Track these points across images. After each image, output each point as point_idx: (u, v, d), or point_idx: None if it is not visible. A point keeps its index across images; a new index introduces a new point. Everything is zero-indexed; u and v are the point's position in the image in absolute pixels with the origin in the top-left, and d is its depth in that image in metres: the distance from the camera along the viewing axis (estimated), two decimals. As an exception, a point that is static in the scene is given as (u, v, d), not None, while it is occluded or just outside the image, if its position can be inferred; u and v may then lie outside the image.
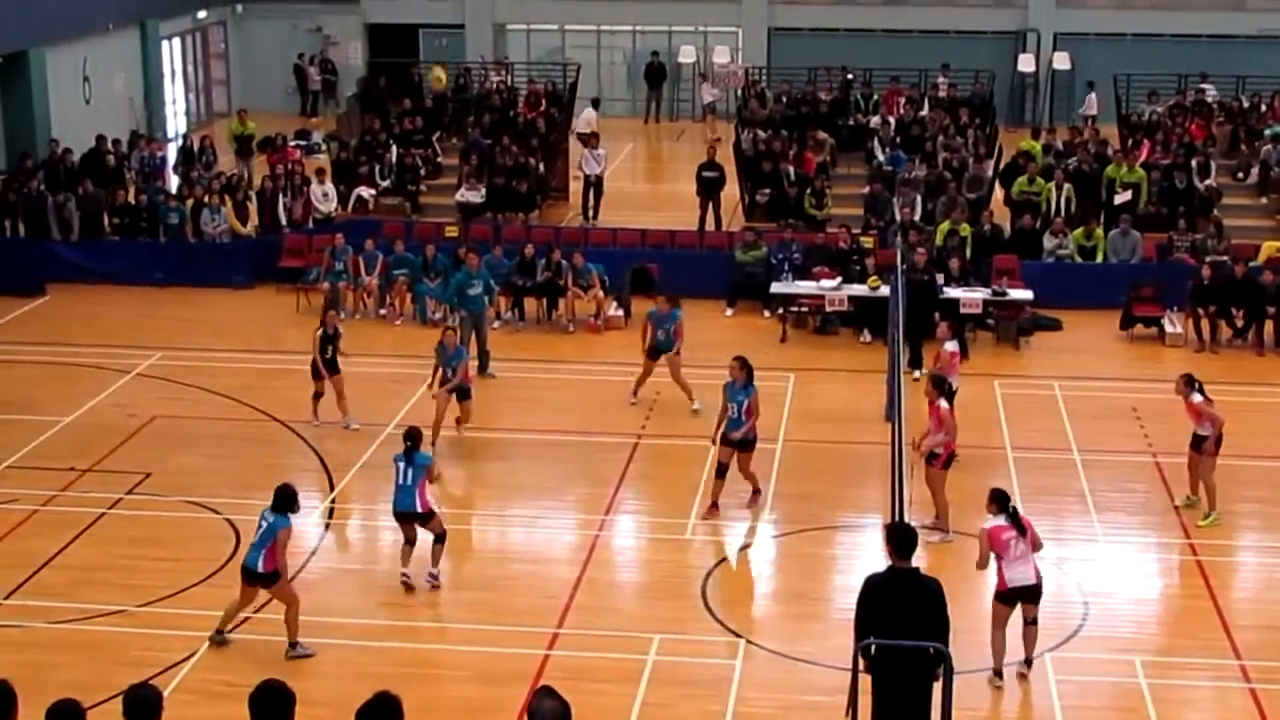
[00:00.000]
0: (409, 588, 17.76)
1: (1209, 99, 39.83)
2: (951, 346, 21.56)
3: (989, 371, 25.71)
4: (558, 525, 20.12)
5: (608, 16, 50.05)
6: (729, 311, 29.11)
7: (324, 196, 33.17)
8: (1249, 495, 21.17)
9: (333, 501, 20.57)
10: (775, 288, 28.50)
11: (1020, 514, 15.93)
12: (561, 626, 17.12)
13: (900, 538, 13.04)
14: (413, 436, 18.05)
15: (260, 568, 16.16)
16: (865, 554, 18.80)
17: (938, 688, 12.64)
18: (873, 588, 13.05)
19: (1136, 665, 16.43)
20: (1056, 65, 47.34)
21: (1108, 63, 43.30)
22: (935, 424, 19.28)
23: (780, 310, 28.20)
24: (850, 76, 41.45)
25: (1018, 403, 24.40)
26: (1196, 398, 19.79)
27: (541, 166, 35.62)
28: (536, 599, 17.79)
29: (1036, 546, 15.82)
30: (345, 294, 28.87)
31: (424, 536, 17.92)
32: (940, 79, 41.92)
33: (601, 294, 28.48)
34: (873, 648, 12.79)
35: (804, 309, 28.29)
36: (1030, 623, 15.87)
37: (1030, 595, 15.75)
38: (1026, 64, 47.58)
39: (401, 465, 17.83)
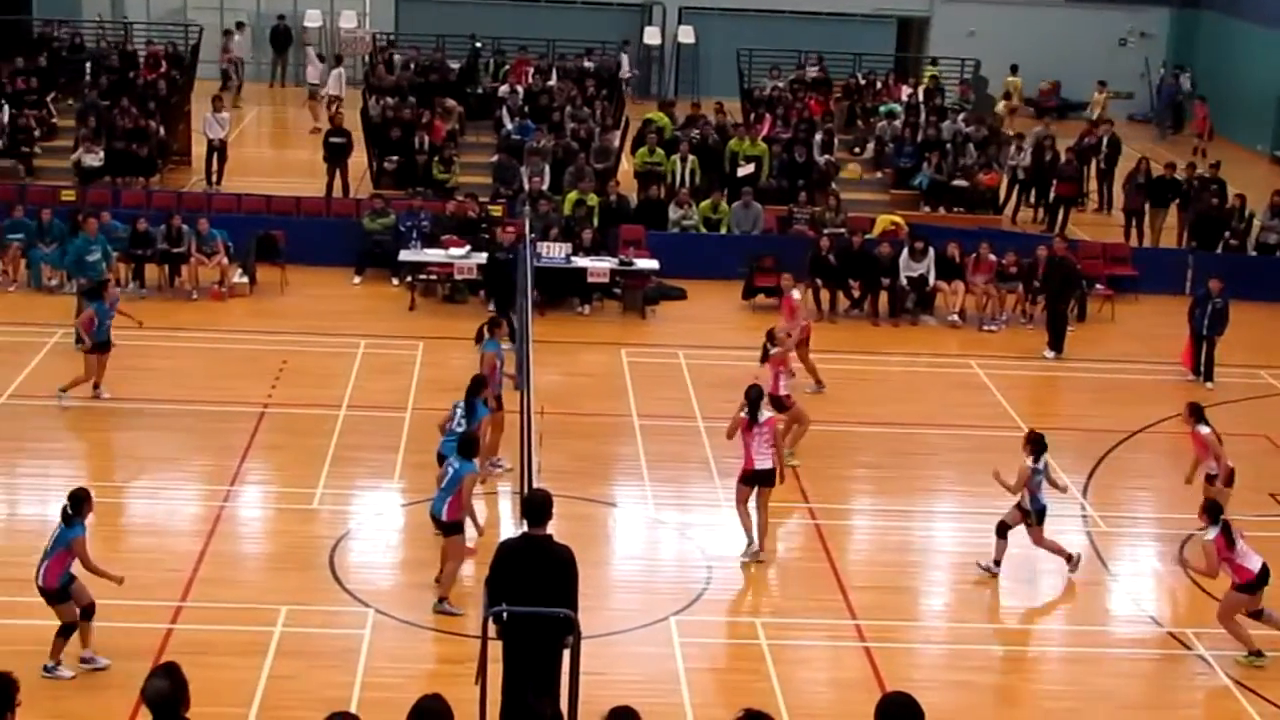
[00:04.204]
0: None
1: (816, 75, 40.95)
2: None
3: (615, 340, 26.09)
4: (181, 497, 19.61)
5: (231, -23, 48.72)
6: (357, 280, 28.82)
7: (-70, 158, 31.68)
8: (863, 460, 21.97)
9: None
10: (404, 255, 28.34)
11: (1231, 526, 16.46)
12: (185, 600, 16.74)
13: (532, 505, 13.10)
14: (74, 499, 15.17)
15: (444, 516, 16.60)
16: (497, 522, 18.87)
17: (567, 654, 12.76)
18: (505, 554, 13.09)
19: (758, 627, 16.90)
20: (681, 39, 48.12)
21: (731, 38, 44.18)
22: (1201, 451, 19.63)
23: (409, 278, 28.06)
24: (478, 45, 41.40)
25: (643, 371, 24.79)
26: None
27: (162, 130, 34.65)
28: (158, 572, 17.32)
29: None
30: (-46, 260, 27.62)
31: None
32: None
33: (226, 261, 27.88)
34: (503, 615, 12.83)
35: (433, 277, 28.19)
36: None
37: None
38: (652, 37, 48.25)
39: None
